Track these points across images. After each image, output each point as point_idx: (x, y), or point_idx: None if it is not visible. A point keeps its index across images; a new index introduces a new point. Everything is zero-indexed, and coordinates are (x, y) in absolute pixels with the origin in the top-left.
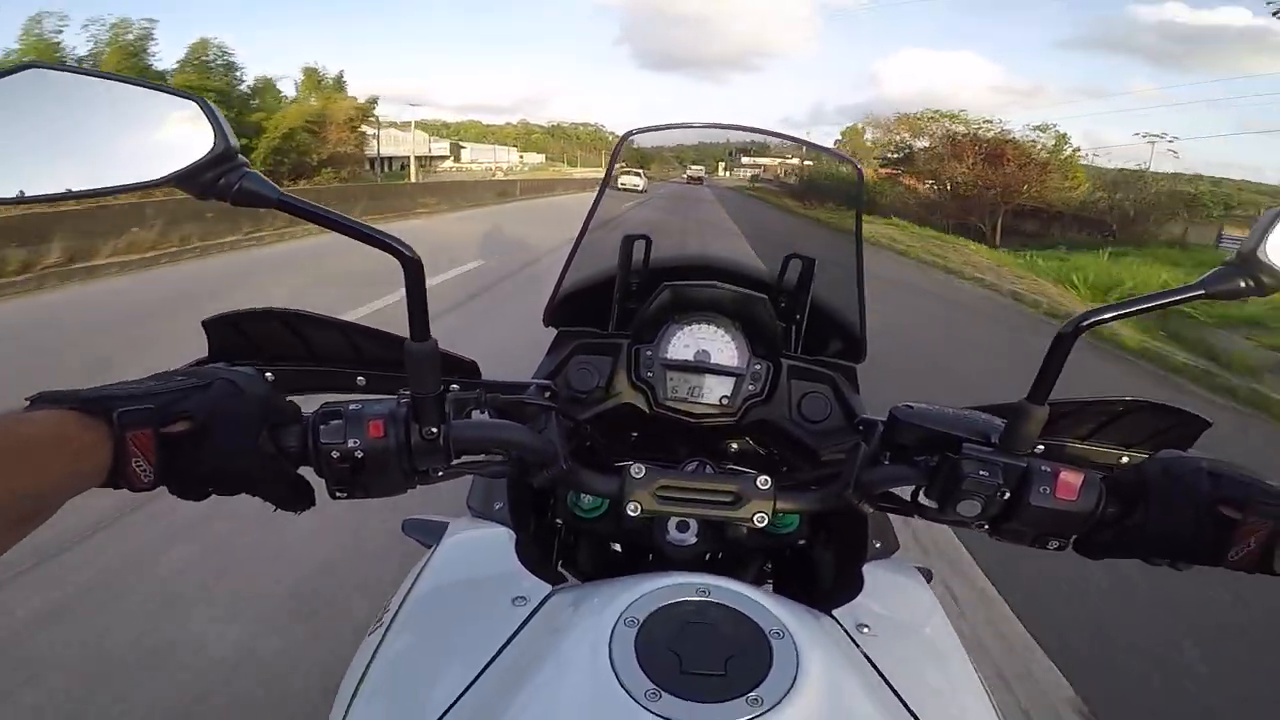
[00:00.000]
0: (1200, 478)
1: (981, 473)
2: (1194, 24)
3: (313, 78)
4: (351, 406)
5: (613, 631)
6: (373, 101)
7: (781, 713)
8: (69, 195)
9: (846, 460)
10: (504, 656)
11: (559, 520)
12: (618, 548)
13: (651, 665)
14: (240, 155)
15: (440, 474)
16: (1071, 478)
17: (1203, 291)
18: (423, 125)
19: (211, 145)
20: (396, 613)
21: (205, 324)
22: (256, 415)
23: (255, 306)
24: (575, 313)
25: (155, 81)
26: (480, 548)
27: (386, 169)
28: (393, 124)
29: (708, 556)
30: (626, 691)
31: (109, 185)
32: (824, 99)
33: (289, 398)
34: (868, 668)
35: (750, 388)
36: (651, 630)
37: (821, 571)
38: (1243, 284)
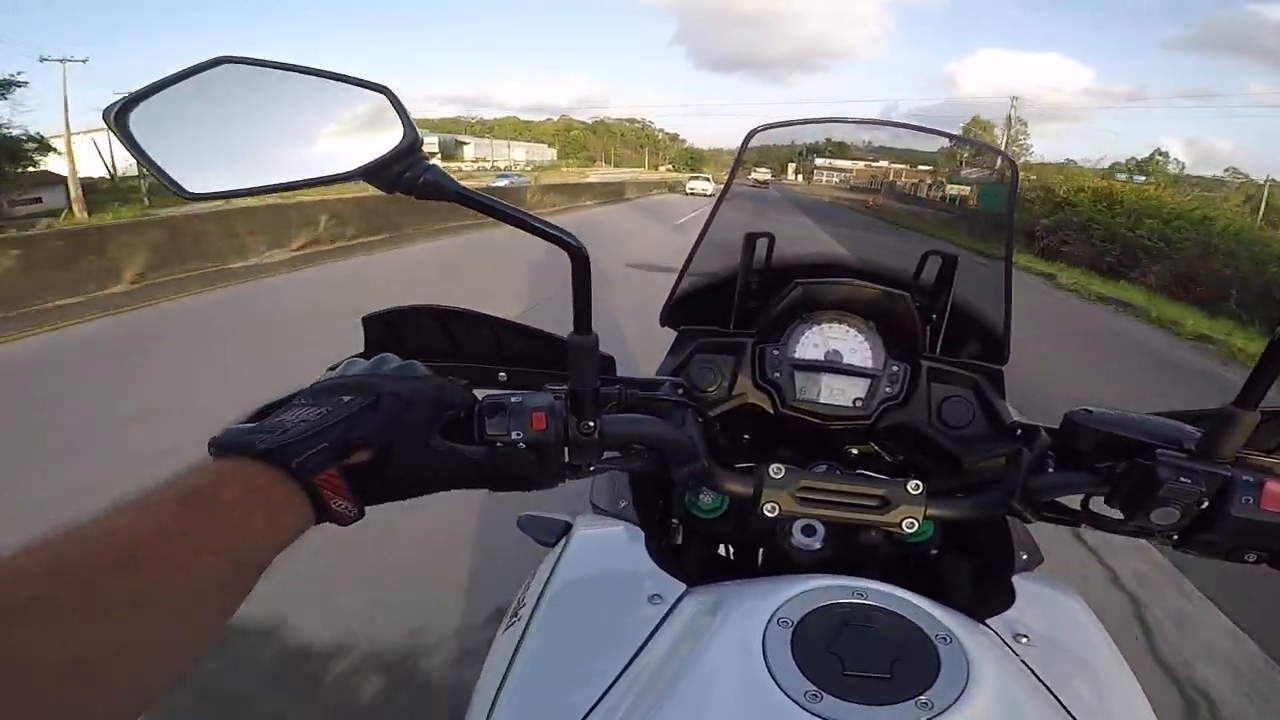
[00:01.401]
0: None
1: (1182, 480)
2: None
3: None
4: (513, 399)
5: (765, 632)
6: None
7: (952, 718)
8: (265, 189)
9: (1008, 467)
10: (644, 655)
11: (674, 519)
12: (723, 550)
13: (811, 667)
14: (423, 149)
15: (591, 468)
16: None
17: None
18: (455, 124)
19: (401, 137)
20: (534, 609)
21: (364, 320)
22: (428, 422)
23: (409, 304)
24: (693, 312)
25: (342, 74)
26: (611, 544)
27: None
28: None
29: (835, 562)
30: (784, 692)
31: (302, 178)
32: (895, 100)
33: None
34: (1032, 678)
35: (887, 389)
36: (807, 631)
37: (959, 582)
38: None
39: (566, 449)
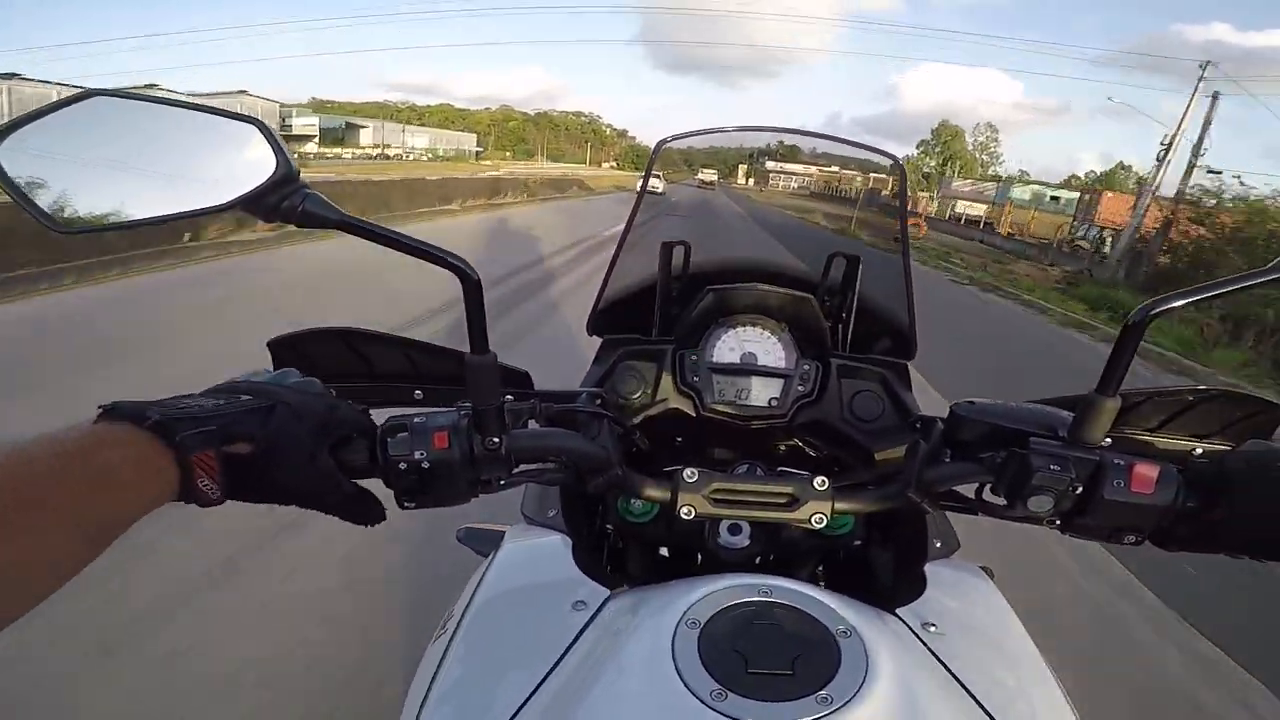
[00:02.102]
0: None
1: (1053, 467)
2: (1243, 46)
3: None
4: (416, 419)
5: (675, 633)
6: None
7: (852, 711)
8: (139, 223)
9: (906, 459)
10: (567, 661)
11: (609, 526)
12: (665, 552)
13: (716, 666)
14: (301, 177)
15: (502, 483)
16: (1147, 470)
17: (1277, 276)
18: (382, 109)
19: (274, 168)
20: (460, 619)
21: (271, 344)
22: (316, 437)
23: (318, 326)
24: (618, 320)
25: (213, 106)
26: (538, 554)
27: None
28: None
29: (760, 559)
30: (691, 692)
31: (177, 212)
32: (841, 109)
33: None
34: (938, 666)
35: (800, 388)
36: (714, 631)
37: (879, 572)
38: None
39: (475, 466)
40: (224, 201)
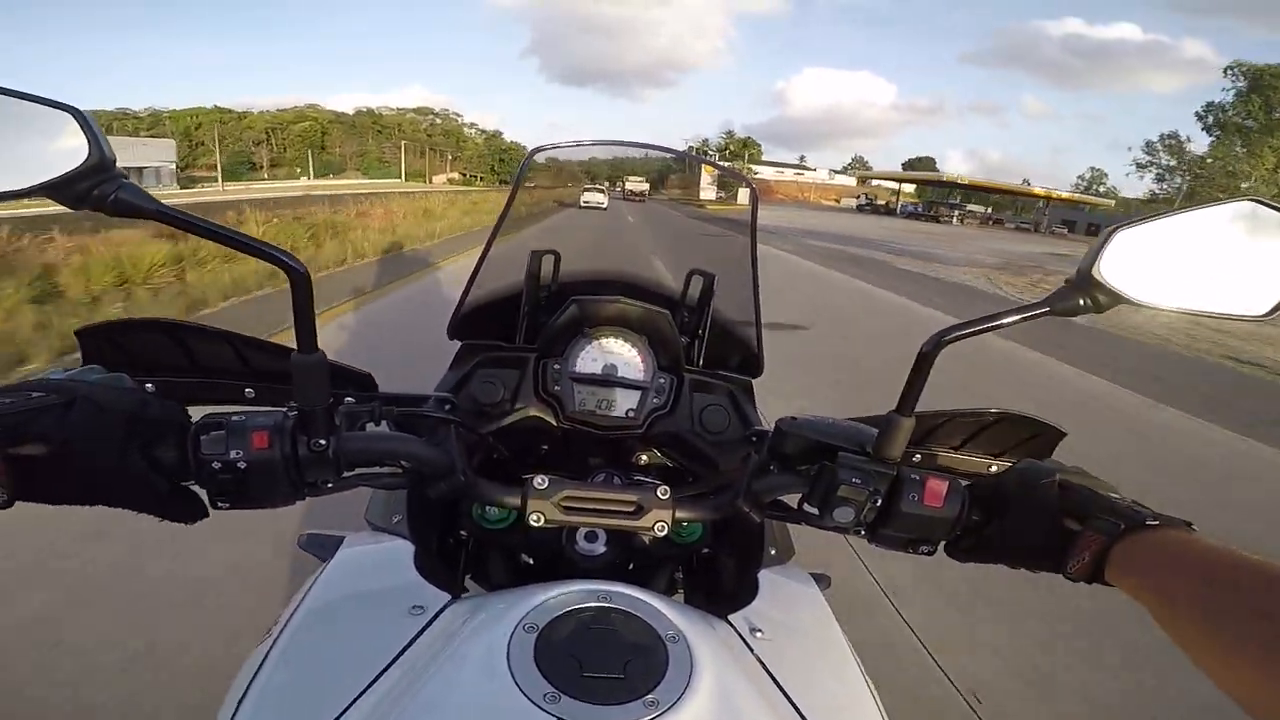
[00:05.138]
0: (1050, 489)
1: (854, 480)
2: (1096, 38)
3: None
4: (235, 418)
5: (511, 637)
6: None
7: (677, 714)
8: None
9: (739, 470)
10: (399, 665)
11: (465, 533)
12: (530, 560)
13: (550, 669)
14: (117, 166)
15: (330, 485)
16: (937, 485)
17: (1048, 309)
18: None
19: (86, 155)
20: (287, 624)
21: (79, 333)
22: (122, 434)
23: (135, 316)
24: (481, 326)
25: (29, 92)
26: (377, 560)
27: None
28: None
29: (619, 566)
30: (525, 695)
31: None
32: (732, 116)
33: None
34: (759, 670)
35: (655, 400)
36: (551, 635)
37: (724, 578)
38: (1081, 301)
39: (299, 468)
40: (29, 185)
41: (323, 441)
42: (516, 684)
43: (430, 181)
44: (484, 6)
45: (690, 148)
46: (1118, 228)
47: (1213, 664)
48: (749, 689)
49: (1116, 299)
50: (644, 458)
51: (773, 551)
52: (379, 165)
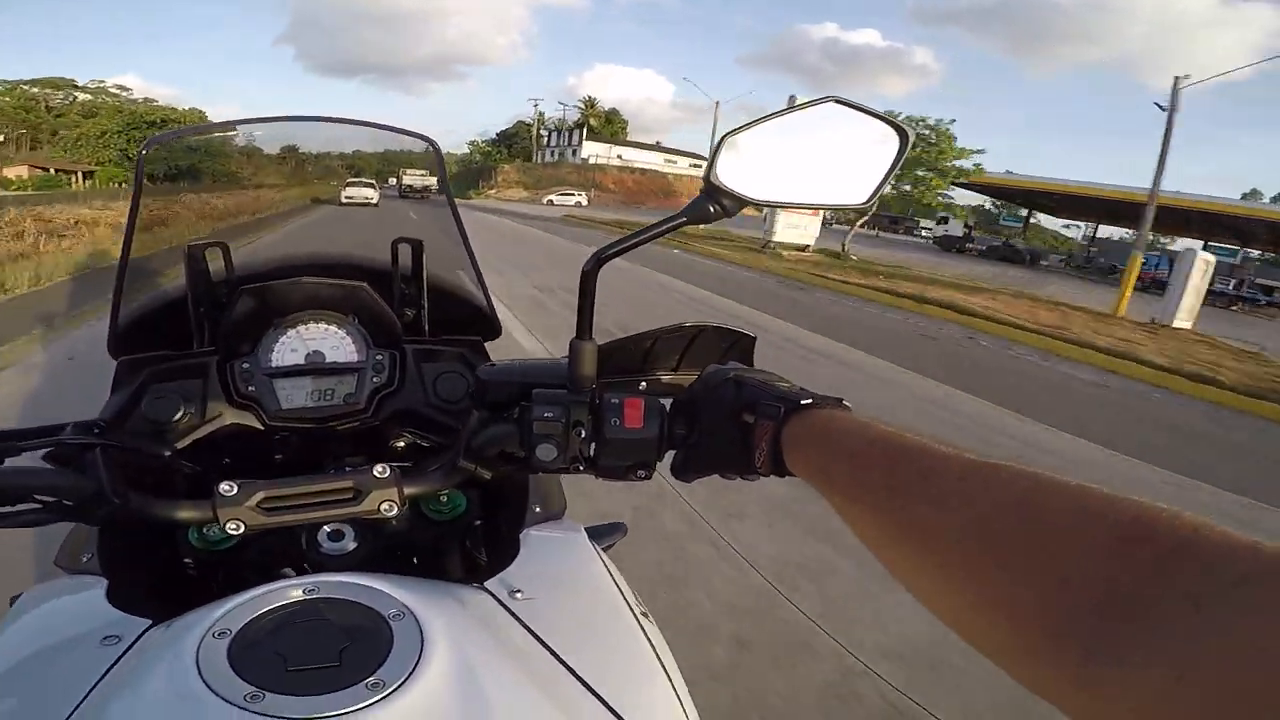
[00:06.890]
0: (727, 388)
1: (547, 415)
2: (847, 43)
3: None
4: None
5: (199, 646)
6: None
7: (408, 691)
8: None
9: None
10: (93, 697)
11: (187, 560)
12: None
13: (249, 670)
14: None
15: None
16: (634, 405)
17: (686, 219)
18: None
19: None
20: None
21: None
22: None
23: None
24: (147, 337)
25: None
26: (63, 602)
27: None
28: None
29: (382, 558)
30: (223, 699)
31: None
32: (525, 112)
33: None
34: (520, 631)
35: (375, 380)
36: (248, 638)
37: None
38: (712, 209)
39: None
40: None
41: None
42: (211, 690)
43: None
44: None
45: (519, 122)
46: (728, 134)
47: (867, 540)
48: (497, 655)
49: (740, 201)
50: (400, 443)
51: (537, 509)
52: None
